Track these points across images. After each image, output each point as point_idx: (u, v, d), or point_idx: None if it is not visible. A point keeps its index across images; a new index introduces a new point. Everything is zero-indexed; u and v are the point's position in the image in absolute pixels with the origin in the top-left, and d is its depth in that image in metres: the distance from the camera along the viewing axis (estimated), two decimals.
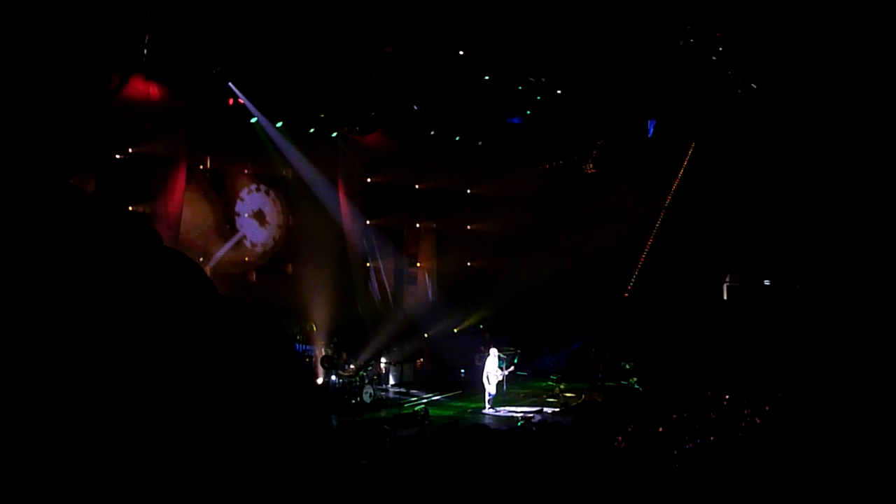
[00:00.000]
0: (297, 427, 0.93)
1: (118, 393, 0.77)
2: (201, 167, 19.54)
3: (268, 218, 20.89)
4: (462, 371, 22.44)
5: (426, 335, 23.98)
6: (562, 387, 21.52)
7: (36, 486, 0.72)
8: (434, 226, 26.49)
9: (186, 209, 18.53)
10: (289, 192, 21.44)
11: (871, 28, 16.93)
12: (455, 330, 25.22)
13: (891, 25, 16.46)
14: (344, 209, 22.47)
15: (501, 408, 18.53)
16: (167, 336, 0.81)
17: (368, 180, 23.56)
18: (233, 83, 17.79)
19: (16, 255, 0.76)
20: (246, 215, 20.41)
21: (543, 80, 20.40)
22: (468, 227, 26.97)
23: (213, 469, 0.82)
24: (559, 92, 21.29)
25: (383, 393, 20.08)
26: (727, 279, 27.35)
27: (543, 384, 22.51)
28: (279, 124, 19.60)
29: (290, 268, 21.48)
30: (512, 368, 19.85)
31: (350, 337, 20.51)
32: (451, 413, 17.96)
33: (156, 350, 0.81)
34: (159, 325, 0.82)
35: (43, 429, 0.73)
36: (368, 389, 18.85)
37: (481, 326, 25.24)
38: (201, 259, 19.05)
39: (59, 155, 0.84)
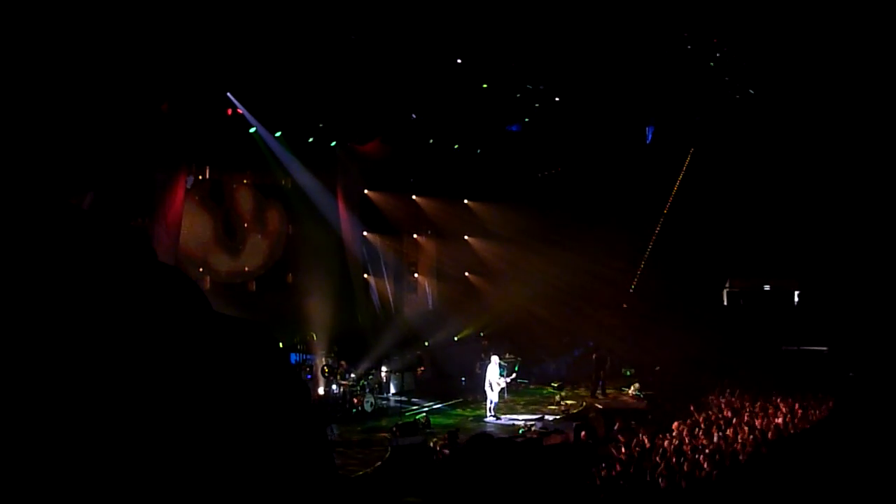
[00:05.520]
0: (289, 439, 0.92)
1: (108, 406, 0.76)
2: (200, 178, 19.55)
3: None
4: (463, 379, 22.39)
5: (426, 343, 23.94)
6: (563, 394, 21.49)
7: (35, 488, 0.72)
8: (433, 234, 26.49)
9: (186, 220, 18.52)
10: (288, 201, 21.43)
11: (869, 34, 16.99)
12: (455, 338, 25.19)
13: (888, 31, 16.51)
14: (343, 218, 22.46)
15: (503, 416, 18.50)
16: (158, 353, 0.80)
17: (366, 191, 23.59)
18: (231, 93, 17.81)
19: (12, 274, 0.76)
20: None
21: (542, 87, 20.44)
22: (467, 234, 26.98)
23: (204, 480, 0.81)
24: (557, 99, 21.32)
25: (384, 402, 20.01)
26: (727, 284, 27.40)
27: (544, 392, 22.47)
28: (278, 134, 19.62)
29: (290, 277, 21.45)
30: (514, 376, 19.82)
31: (350, 346, 20.46)
32: (452, 421, 17.90)
33: (146, 366, 0.80)
34: (150, 343, 0.82)
35: (37, 442, 0.73)
36: (369, 398, 18.80)
37: (481, 334, 25.22)
38: (200, 269, 19.04)
39: (83, 172, 0.84)
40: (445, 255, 26.61)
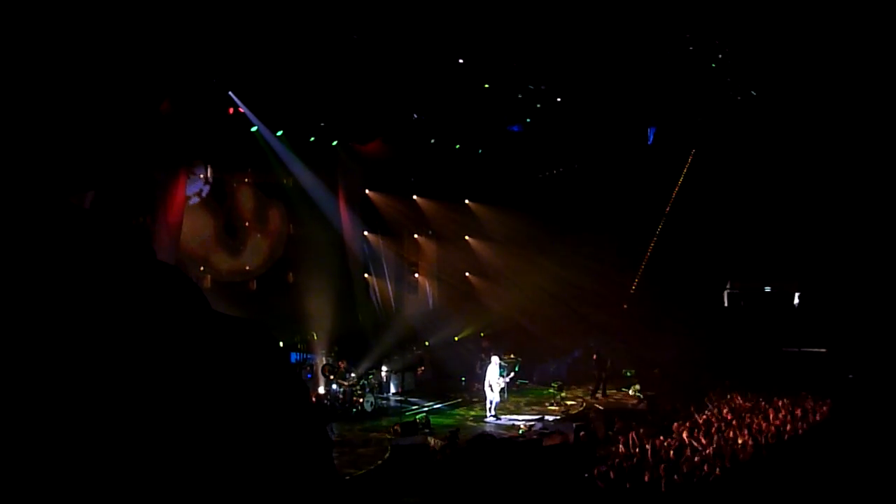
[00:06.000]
0: (288, 439, 0.92)
1: (107, 405, 0.77)
2: (202, 177, 19.55)
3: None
4: (463, 379, 22.39)
5: (426, 343, 23.95)
6: (562, 394, 21.48)
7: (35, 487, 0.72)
8: (434, 234, 26.49)
9: (187, 219, 18.53)
10: (289, 200, 21.44)
11: (870, 35, 16.98)
12: (455, 338, 25.19)
13: (888, 32, 16.50)
14: (344, 217, 22.47)
15: (503, 416, 18.51)
16: (157, 352, 0.81)
17: (367, 191, 23.60)
18: (233, 92, 17.82)
19: (11, 273, 0.76)
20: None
21: (543, 87, 20.43)
22: (468, 235, 26.98)
23: (204, 479, 0.81)
24: (559, 100, 21.31)
25: (384, 402, 20.02)
26: (728, 285, 27.39)
27: (544, 392, 22.47)
28: (279, 133, 19.62)
29: (290, 277, 21.46)
30: (512, 375, 19.82)
31: (351, 346, 20.47)
32: (452, 421, 17.91)
33: (145, 366, 0.80)
34: (149, 342, 0.82)
35: (37, 442, 0.73)
36: (369, 398, 18.81)
37: (482, 334, 25.22)
38: (201, 268, 19.04)
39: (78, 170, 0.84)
40: (446, 256, 26.61)
